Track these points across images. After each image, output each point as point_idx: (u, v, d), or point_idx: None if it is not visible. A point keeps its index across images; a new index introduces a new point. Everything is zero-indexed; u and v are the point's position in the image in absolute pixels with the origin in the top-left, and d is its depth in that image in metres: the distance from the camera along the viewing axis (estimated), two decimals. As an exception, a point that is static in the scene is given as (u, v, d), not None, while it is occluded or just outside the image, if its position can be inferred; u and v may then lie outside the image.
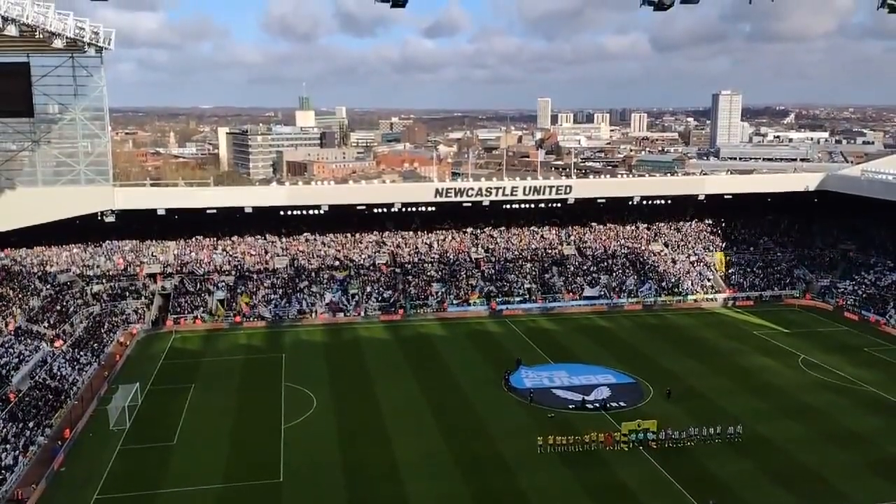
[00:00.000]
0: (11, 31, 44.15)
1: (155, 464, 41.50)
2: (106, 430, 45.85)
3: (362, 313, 73.73)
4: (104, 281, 73.36)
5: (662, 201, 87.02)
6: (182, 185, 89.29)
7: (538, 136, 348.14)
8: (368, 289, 76.67)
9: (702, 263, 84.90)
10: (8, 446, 40.77)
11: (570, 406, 49.78)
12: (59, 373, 52.64)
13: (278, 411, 49.02)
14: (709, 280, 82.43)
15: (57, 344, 57.45)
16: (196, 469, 40.81)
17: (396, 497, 37.64)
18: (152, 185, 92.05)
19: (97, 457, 42.37)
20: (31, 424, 44.08)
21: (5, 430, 42.20)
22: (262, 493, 38.21)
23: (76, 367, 54.86)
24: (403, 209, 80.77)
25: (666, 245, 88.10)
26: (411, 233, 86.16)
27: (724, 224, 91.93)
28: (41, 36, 48.92)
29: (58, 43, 51.66)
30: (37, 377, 50.81)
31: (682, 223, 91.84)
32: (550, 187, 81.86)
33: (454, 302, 75.94)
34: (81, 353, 57.74)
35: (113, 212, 70.63)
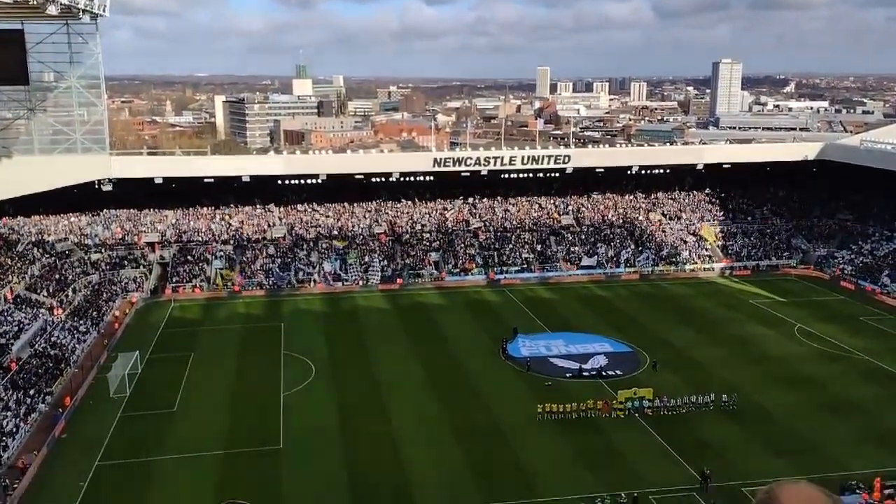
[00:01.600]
0: (5, -3, 43.69)
1: (156, 430, 41.89)
2: (106, 397, 46.20)
3: (361, 283, 73.92)
4: (103, 250, 73.40)
5: (661, 171, 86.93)
6: (179, 153, 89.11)
7: (537, 105, 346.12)
8: (367, 258, 76.78)
9: (700, 233, 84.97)
10: (9, 413, 41.14)
11: (567, 374, 50.17)
12: (58, 341, 52.91)
13: (277, 379, 49.37)
14: (706, 250, 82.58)
15: (56, 312, 57.64)
16: (197, 435, 41.22)
17: (394, 463, 38.08)
18: (149, 154, 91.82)
19: (98, 424, 42.74)
20: (31, 392, 44.43)
21: (6, 397, 42.54)
22: (262, 459, 38.64)
23: (76, 336, 55.12)
24: (402, 179, 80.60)
25: (664, 215, 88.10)
26: (409, 202, 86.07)
27: (722, 194, 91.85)
28: (35, 2, 48.41)
29: (52, 9, 51.12)
30: (36, 345, 51.08)
31: (680, 193, 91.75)
32: (549, 157, 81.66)
33: (452, 271, 76.11)
34: (81, 321, 57.98)
35: (110, 180, 70.48)
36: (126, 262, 72.56)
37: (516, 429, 41.77)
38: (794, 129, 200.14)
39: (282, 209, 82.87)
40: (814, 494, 2.80)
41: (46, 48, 65.65)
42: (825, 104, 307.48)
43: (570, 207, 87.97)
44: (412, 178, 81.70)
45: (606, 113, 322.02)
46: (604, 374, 50.15)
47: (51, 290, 61.28)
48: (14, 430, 40.14)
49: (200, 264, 73.91)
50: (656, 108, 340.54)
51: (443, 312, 65.68)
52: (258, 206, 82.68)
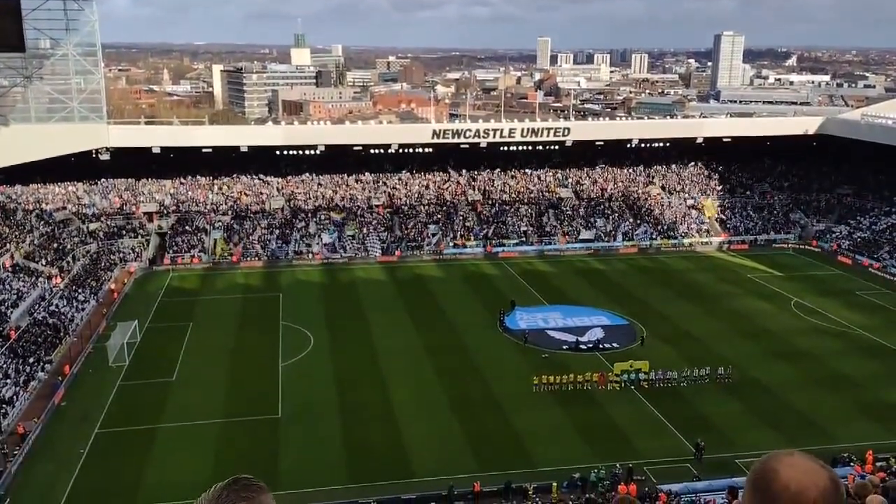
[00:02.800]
0: (0, -38, 43.11)
1: (155, 399, 42.16)
2: (105, 366, 46.41)
3: (359, 254, 73.96)
4: (101, 219, 73.30)
5: (661, 144, 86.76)
6: (177, 123, 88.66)
7: (537, 77, 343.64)
8: (365, 230, 76.74)
9: (698, 207, 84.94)
10: (8, 381, 41.36)
11: (564, 347, 50.45)
12: (57, 310, 53.03)
13: (276, 349, 49.61)
14: (704, 224, 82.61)
15: (55, 281, 57.71)
16: (195, 404, 41.48)
17: (391, 433, 38.41)
18: (147, 123, 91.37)
19: (97, 392, 43.00)
20: (30, 360, 44.62)
21: (5, 365, 42.74)
22: (260, 428, 38.98)
23: (74, 305, 55.25)
24: (400, 150, 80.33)
25: (663, 188, 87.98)
26: (408, 174, 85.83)
27: (721, 168, 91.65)
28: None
29: (48, -25, 50.51)
30: (35, 314, 51.20)
31: (679, 166, 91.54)
32: (549, 129, 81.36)
33: (451, 244, 76.13)
34: (79, 290, 58.07)
35: (108, 149, 70.20)
36: (124, 232, 72.51)
37: (513, 400, 42.08)
38: (794, 103, 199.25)
39: (280, 180, 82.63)
40: (812, 466, 2.80)
41: (42, 15, 64.77)
42: (826, 78, 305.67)
43: (569, 180, 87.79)
44: (411, 150, 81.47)
45: (607, 85, 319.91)
46: (601, 346, 50.44)
47: (49, 259, 61.29)
48: (13, 397, 40.39)
49: (199, 234, 73.88)
50: (657, 81, 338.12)
51: (441, 285, 65.82)
52: (256, 177, 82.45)
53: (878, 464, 34.07)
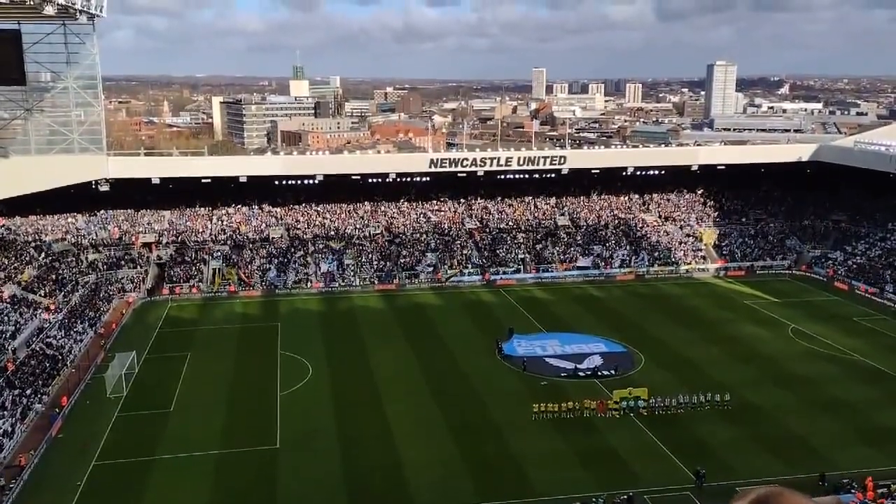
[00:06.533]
0: (3, -3, 43.76)
1: (153, 430, 42.02)
2: (103, 397, 46.30)
3: (357, 283, 74.04)
4: (100, 250, 73.44)
5: (656, 172, 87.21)
6: (176, 154, 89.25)
7: (533, 106, 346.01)
8: (363, 259, 76.93)
9: (694, 234, 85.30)
10: (6, 413, 41.20)
11: (562, 374, 50.39)
12: (55, 341, 52.94)
13: (274, 379, 49.51)
14: (700, 250, 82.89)
15: (50, 307, 57.62)
16: (193, 435, 41.34)
17: (391, 463, 38.25)
18: (146, 154, 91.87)
19: (95, 423, 42.81)
20: (28, 392, 44.49)
21: (3, 397, 42.59)
22: (258, 459, 38.78)
23: (72, 336, 55.17)
24: (398, 179, 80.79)
25: (659, 216, 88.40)
26: (406, 203, 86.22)
27: (716, 194, 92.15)
28: (32, 2, 48.49)
29: (49, 9, 51.19)
30: (33, 345, 51.11)
31: (675, 194, 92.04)
32: (545, 158, 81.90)
33: (447, 269, 76.24)
34: (78, 321, 58.01)
35: (107, 180, 70.53)
36: (123, 262, 72.61)
37: (512, 428, 41.97)
38: (788, 130, 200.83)
39: (279, 209, 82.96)
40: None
41: (43, 48, 65.59)
42: (819, 106, 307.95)
43: (565, 208, 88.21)
44: (409, 179, 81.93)
45: (602, 114, 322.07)
46: (599, 373, 50.39)
47: (48, 291, 61.28)
48: (10, 429, 40.21)
49: (197, 264, 74.00)
50: (651, 110, 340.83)
51: (439, 312, 65.86)
52: (255, 207, 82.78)
53: (880, 490, 33.98)
